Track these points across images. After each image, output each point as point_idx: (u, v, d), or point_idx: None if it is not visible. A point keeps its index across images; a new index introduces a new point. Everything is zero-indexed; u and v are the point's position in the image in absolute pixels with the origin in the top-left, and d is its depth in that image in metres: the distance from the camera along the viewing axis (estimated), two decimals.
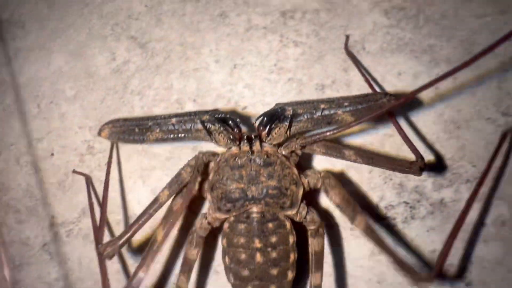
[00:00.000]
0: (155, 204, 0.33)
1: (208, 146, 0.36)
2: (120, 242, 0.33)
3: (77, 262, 0.41)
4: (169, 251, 0.38)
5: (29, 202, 0.43)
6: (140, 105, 0.40)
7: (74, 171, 0.41)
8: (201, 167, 0.33)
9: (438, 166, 0.37)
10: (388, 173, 0.37)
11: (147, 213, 0.33)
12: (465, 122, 0.37)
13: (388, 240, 0.36)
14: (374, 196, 0.37)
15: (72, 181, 0.42)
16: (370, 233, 0.32)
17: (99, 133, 0.37)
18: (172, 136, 0.34)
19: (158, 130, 0.34)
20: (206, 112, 0.34)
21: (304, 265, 0.33)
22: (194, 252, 0.32)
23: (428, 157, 0.37)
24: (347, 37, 0.38)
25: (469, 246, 0.36)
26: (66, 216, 0.42)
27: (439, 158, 0.37)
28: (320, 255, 0.31)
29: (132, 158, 0.41)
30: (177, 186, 0.33)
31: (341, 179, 0.36)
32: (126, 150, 0.41)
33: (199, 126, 0.33)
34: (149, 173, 0.40)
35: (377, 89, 0.37)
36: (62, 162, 0.42)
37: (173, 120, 0.34)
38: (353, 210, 0.32)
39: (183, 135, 0.34)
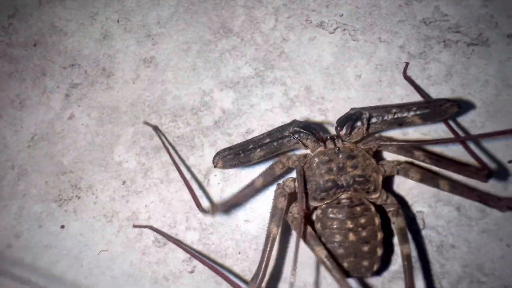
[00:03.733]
0: (251, 186, 0.41)
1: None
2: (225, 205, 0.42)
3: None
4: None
5: None
6: None
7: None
8: (302, 172, 0.40)
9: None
10: None
11: (243, 191, 0.41)
12: None
13: None
14: None
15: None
16: (455, 190, 0.38)
17: (215, 166, 0.42)
18: (270, 151, 0.41)
19: (258, 150, 0.41)
20: (290, 124, 0.41)
21: (389, 244, 0.41)
22: (283, 203, 0.40)
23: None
24: (407, 64, 0.44)
25: None
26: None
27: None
28: (404, 231, 0.38)
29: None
30: (269, 176, 0.41)
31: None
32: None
33: (290, 138, 0.40)
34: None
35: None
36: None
37: (267, 139, 0.42)
38: (434, 178, 0.39)
39: (280, 148, 0.41)
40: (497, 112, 0.43)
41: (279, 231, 0.39)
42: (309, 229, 0.39)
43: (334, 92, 0.47)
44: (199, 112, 0.50)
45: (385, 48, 0.47)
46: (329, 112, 0.47)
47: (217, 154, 0.42)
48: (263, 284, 0.39)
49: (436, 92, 0.44)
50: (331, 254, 0.38)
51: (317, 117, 0.47)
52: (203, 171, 0.48)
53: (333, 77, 0.47)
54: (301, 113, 0.47)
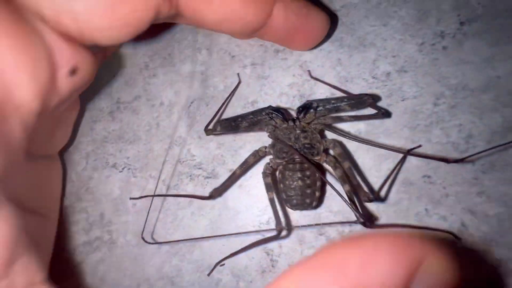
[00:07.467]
0: (233, 175, 0.60)
1: None
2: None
3: None
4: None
5: None
6: None
7: None
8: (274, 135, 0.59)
9: None
10: None
11: (229, 179, 0.60)
12: None
13: None
14: None
15: None
16: (343, 182, 0.56)
17: (215, 130, 0.60)
18: (252, 123, 0.60)
19: (244, 122, 0.60)
20: (267, 108, 0.60)
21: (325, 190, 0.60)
22: (269, 180, 0.60)
23: None
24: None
25: None
26: None
27: None
28: (343, 177, 0.57)
29: None
30: (246, 166, 0.60)
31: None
32: None
33: (266, 116, 0.60)
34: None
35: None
36: None
37: (251, 115, 0.61)
38: (344, 160, 0.58)
39: (258, 122, 0.60)
40: None
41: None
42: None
43: (118, 217, 0.66)
44: None
45: (153, 183, 0.66)
46: (113, 232, 0.66)
47: (217, 121, 0.62)
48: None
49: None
50: (286, 195, 0.57)
51: (105, 237, 0.66)
52: None
53: (118, 206, 0.67)
54: (95, 234, 0.66)
